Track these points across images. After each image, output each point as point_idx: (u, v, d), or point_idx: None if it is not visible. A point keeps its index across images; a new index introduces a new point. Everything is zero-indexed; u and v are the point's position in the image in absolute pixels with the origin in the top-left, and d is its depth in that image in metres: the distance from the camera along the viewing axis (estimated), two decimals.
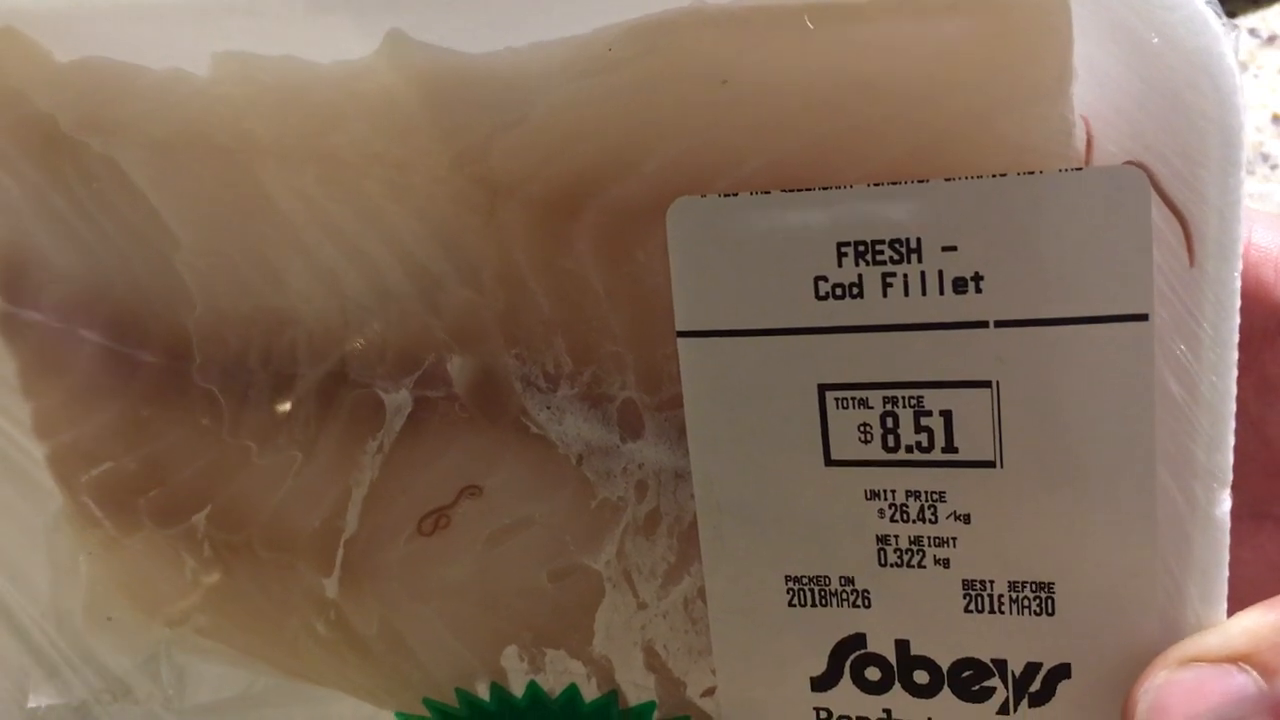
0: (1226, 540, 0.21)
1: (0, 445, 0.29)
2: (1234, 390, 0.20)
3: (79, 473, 0.28)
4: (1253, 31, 0.50)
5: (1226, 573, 0.21)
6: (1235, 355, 0.20)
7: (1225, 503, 0.21)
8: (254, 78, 0.25)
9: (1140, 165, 0.20)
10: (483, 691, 0.26)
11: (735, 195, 0.21)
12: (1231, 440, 0.20)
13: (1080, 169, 0.20)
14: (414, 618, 0.26)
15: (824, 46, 0.21)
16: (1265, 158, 0.46)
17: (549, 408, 0.24)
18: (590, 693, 0.25)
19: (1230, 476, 0.21)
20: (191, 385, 0.26)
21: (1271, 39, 0.50)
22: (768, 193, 0.21)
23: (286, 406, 0.26)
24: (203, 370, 0.26)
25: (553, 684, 0.25)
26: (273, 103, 0.25)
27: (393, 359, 0.25)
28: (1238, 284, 0.20)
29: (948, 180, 0.20)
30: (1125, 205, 0.20)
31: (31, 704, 0.29)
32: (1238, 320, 0.20)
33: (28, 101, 0.26)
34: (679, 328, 0.22)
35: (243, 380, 0.26)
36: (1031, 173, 0.20)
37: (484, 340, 0.24)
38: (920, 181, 0.20)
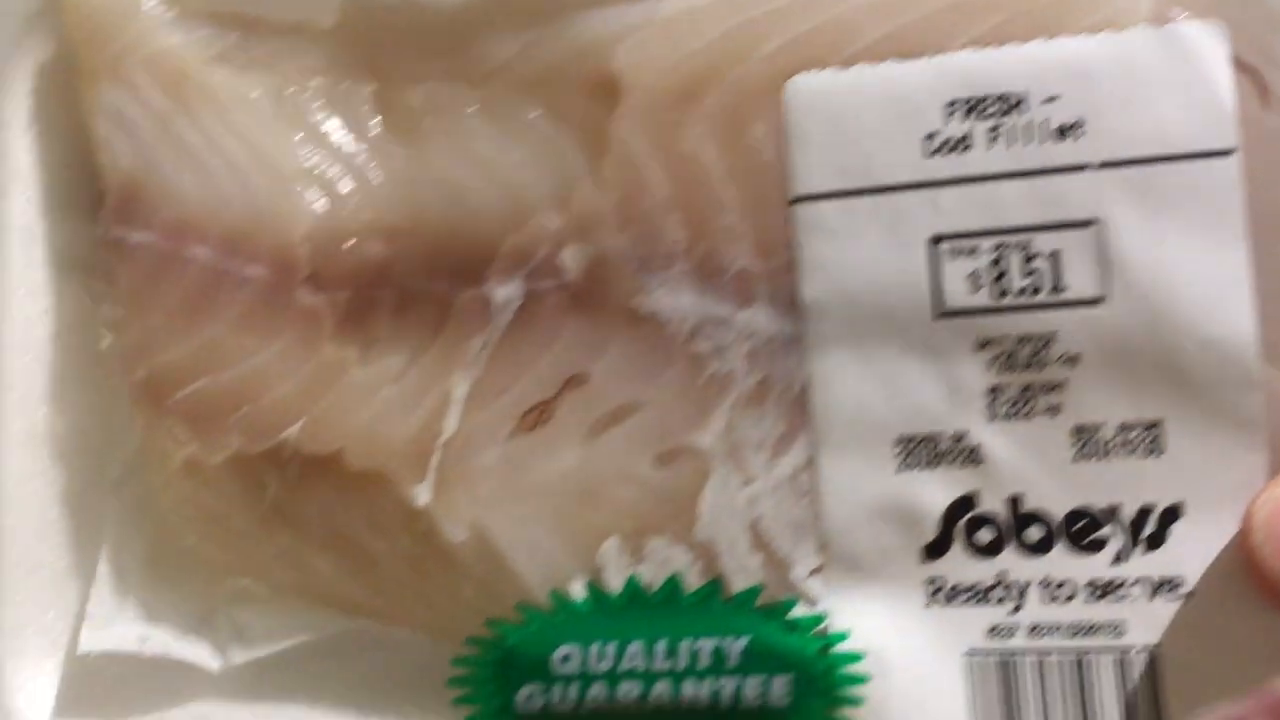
0: None
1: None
2: None
3: (169, 394, 0.27)
4: None
5: None
6: None
7: None
8: (384, 21, 0.27)
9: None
10: (579, 594, 0.25)
11: (851, 67, 0.24)
12: None
13: (1168, 23, 0.22)
14: (508, 520, 0.26)
15: None
16: None
17: (663, 285, 0.25)
18: (693, 582, 0.25)
19: None
20: (295, 299, 0.27)
21: None
22: (881, 62, 0.24)
23: (392, 313, 0.27)
24: (309, 282, 0.27)
25: (653, 575, 0.25)
26: (392, 41, 0.28)
27: (505, 256, 0.26)
28: None
29: (1047, 39, 0.23)
30: (1207, 54, 0.22)
31: (83, 649, 0.28)
32: None
33: (160, 38, 0.28)
34: (793, 194, 0.24)
35: (348, 290, 0.27)
36: (1123, 29, 0.22)
37: (599, 228, 0.25)
38: (1021, 43, 0.23)
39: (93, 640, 0.28)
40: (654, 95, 0.25)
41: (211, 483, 0.27)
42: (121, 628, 0.28)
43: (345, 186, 0.27)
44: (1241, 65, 0.22)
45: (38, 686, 0.28)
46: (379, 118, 0.27)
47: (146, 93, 0.28)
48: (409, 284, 0.27)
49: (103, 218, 0.28)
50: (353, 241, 0.27)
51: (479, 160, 0.26)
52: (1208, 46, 0.22)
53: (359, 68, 0.28)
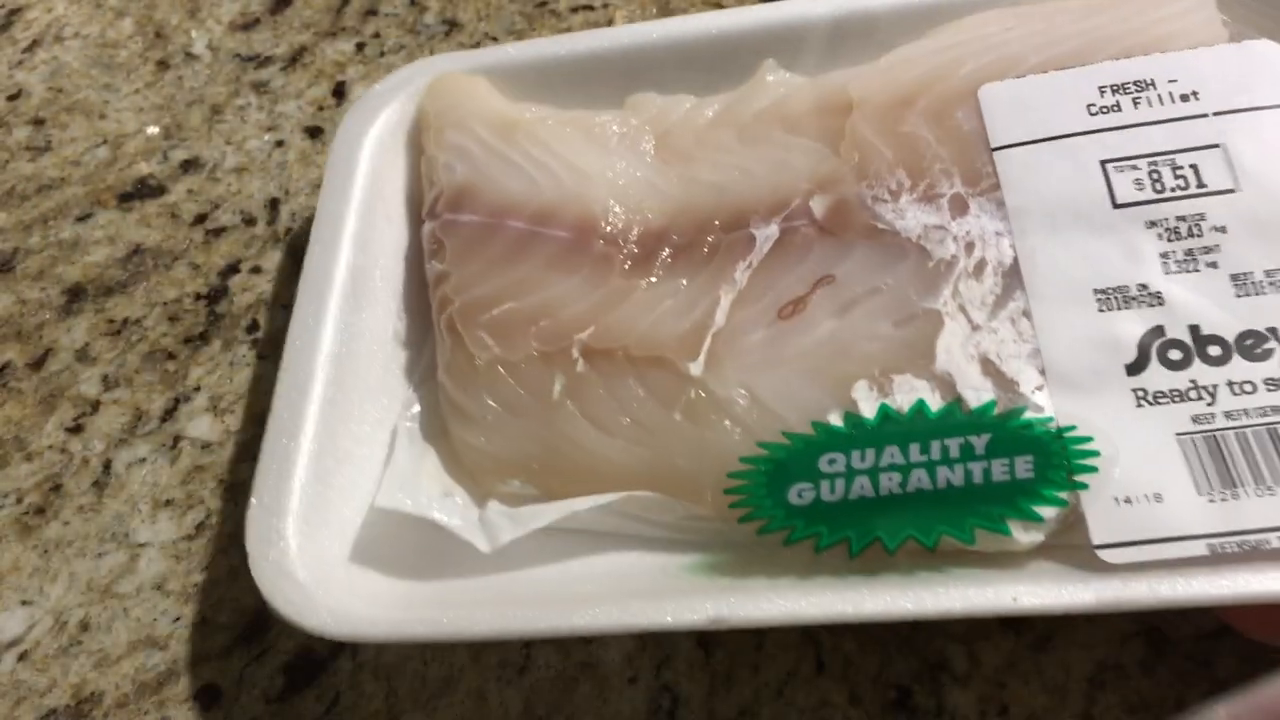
0: None
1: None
2: None
3: (481, 314, 0.33)
4: None
5: None
6: None
7: None
8: (663, 108, 0.38)
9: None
10: (836, 422, 0.30)
11: (1024, 77, 0.34)
12: None
13: (1241, 43, 0.33)
14: (771, 378, 0.31)
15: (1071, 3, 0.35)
16: None
17: (893, 211, 0.33)
18: (935, 404, 0.29)
19: None
20: (592, 249, 0.34)
21: None
22: (1045, 73, 0.34)
23: (669, 258, 0.34)
24: (606, 238, 0.34)
25: (901, 403, 0.30)
26: (669, 116, 0.38)
27: (765, 207, 0.34)
28: None
29: (1161, 54, 0.33)
30: (1261, 55, 0.33)
31: (379, 504, 0.31)
32: None
33: (496, 104, 0.38)
34: (994, 144, 0.33)
35: (634, 246, 0.34)
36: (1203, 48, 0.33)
37: (841, 183, 0.34)
38: (1144, 56, 0.33)
39: (388, 499, 0.31)
40: (879, 104, 0.35)
41: (512, 377, 0.33)
42: (411, 495, 0.32)
43: (633, 186, 0.36)
44: None
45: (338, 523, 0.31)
46: (659, 152, 0.37)
47: (482, 134, 0.37)
48: (683, 239, 0.34)
49: (438, 208, 0.36)
50: (638, 215, 0.35)
51: (736, 165, 0.36)
52: (1265, 50, 0.33)
53: (644, 127, 0.38)
